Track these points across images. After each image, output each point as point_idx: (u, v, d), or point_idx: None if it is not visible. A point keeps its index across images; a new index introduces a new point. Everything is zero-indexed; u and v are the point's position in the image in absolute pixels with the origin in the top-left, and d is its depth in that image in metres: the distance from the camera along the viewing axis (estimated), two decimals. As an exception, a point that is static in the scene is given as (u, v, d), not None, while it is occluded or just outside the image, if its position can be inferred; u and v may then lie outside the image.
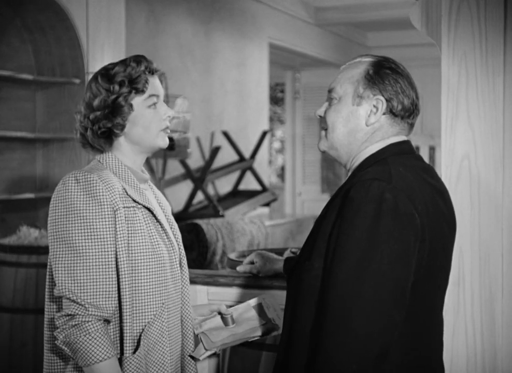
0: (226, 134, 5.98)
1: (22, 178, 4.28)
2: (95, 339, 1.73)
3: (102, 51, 4.14)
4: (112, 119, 1.85)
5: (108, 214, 1.79)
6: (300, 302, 1.75)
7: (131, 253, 1.82)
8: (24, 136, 4.09)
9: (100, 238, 1.78)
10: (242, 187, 6.29)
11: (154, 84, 1.91)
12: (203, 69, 6.04)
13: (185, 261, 2.01)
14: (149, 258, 1.84)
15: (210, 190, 5.93)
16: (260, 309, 2.13)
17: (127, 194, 1.85)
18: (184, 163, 5.33)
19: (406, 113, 1.81)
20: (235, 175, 6.26)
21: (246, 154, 6.28)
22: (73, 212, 1.78)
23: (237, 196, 6.06)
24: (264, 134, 6.30)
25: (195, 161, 5.70)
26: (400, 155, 1.81)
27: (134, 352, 1.81)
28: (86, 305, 1.73)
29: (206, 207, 5.48)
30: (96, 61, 4.07)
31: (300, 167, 9.55)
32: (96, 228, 1.78)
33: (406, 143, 1.85)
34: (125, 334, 1.80)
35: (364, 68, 1.79)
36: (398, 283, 1.61)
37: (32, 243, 3.85)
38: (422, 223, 1.65)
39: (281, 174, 12.60)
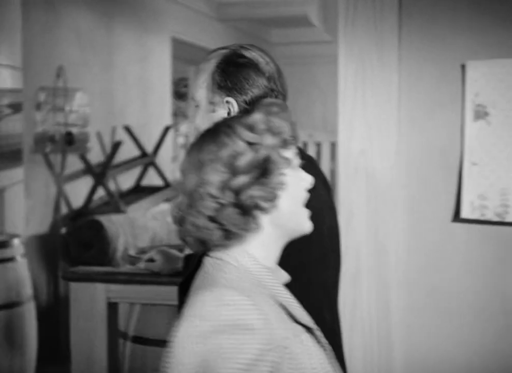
0: (128, 129, 5.89)
1: None
2: None
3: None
4: (264, 185, 1.29)
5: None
6: None
7: None
8: None
9: None
10: (145, 182, 6.22)
11: None
12: (105, 62, 5.93)
13: None
14: None
15: (112, 186, 5.83)
16: None
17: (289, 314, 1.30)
18: (84, 158, 5.22)
19: None
20: (137, 171, 6.19)
21: (150, 149, 6.21)
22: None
23: (139, 191, 5.99)
24: (167, 129, 6.25)
25: (96, 156, 5.59)
26: None
27: None
28: None
29: (107, 203, 5.39)
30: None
31: (204, 163, 9.53)
32: None
33: None
34: None
35: (210, 71, 1.77)
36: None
37: None
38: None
39: (185, 170, 12.52)
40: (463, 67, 2.30)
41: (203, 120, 1.78)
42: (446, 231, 2.36)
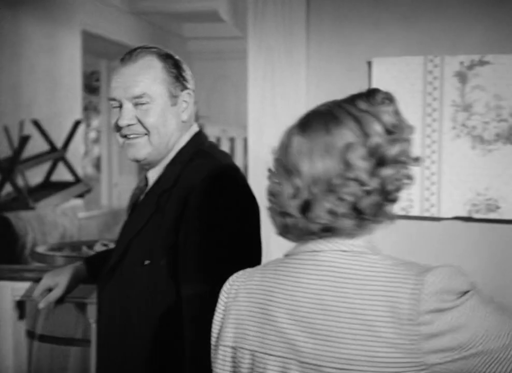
0: (36, 123, 5.76)
1: None
2: None
3: None
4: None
5: None
6: (142, 300, 1.73)
7: None
8: None
9: None
10: (54, 178, 6.10)
11: None
12: (11, 54, 5.77)
13: None
14: None
15: (20, 181, 5.69)
16: None
17: None
18: (-10, 153, 5.08)
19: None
20: (47, 166, 6.05)
21: (60, 143, 6.08)
22: None
23: (48, 187, 5.86)
24: (77, 124, 6.14)
25: (4, 151, 5.44)
26: (204, 143, 1.85)
27: None
28: None
29: (15, 199, 5.25)
30: None
31: (117, 158, 9.41)
32: None
33: (201, 131, 1.90)
34: None
35: (161, 65, 1.78)
36: None
37: None
38: None
39: (98, 165, 12.36)
40: (369, 63, 2.34)
41: (164, 117, 1.77)
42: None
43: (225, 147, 8.13)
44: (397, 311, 1.17)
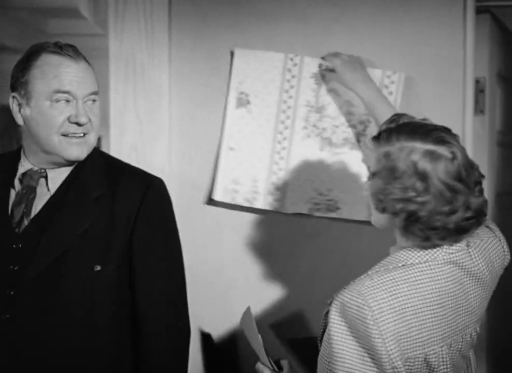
0: None
1: None
2: None
3: None
4: None
5: None
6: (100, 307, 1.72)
7: None
8: None
9: None
10: None
11: None
12: None
13: None
14: None
15: None
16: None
17: None
18: None
19: None
20: None
21: None
22: None
23: None
24: None
25: None
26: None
27: None
28: None
29: None
30: None
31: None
32: None
33: None
34: None
35: (87, 64, 1.80)
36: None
37: None
38: None
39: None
40: (232, 54, 2.35)
41: (97, 115, 1.77)
42: (202, 214, 2.44)
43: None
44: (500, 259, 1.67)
